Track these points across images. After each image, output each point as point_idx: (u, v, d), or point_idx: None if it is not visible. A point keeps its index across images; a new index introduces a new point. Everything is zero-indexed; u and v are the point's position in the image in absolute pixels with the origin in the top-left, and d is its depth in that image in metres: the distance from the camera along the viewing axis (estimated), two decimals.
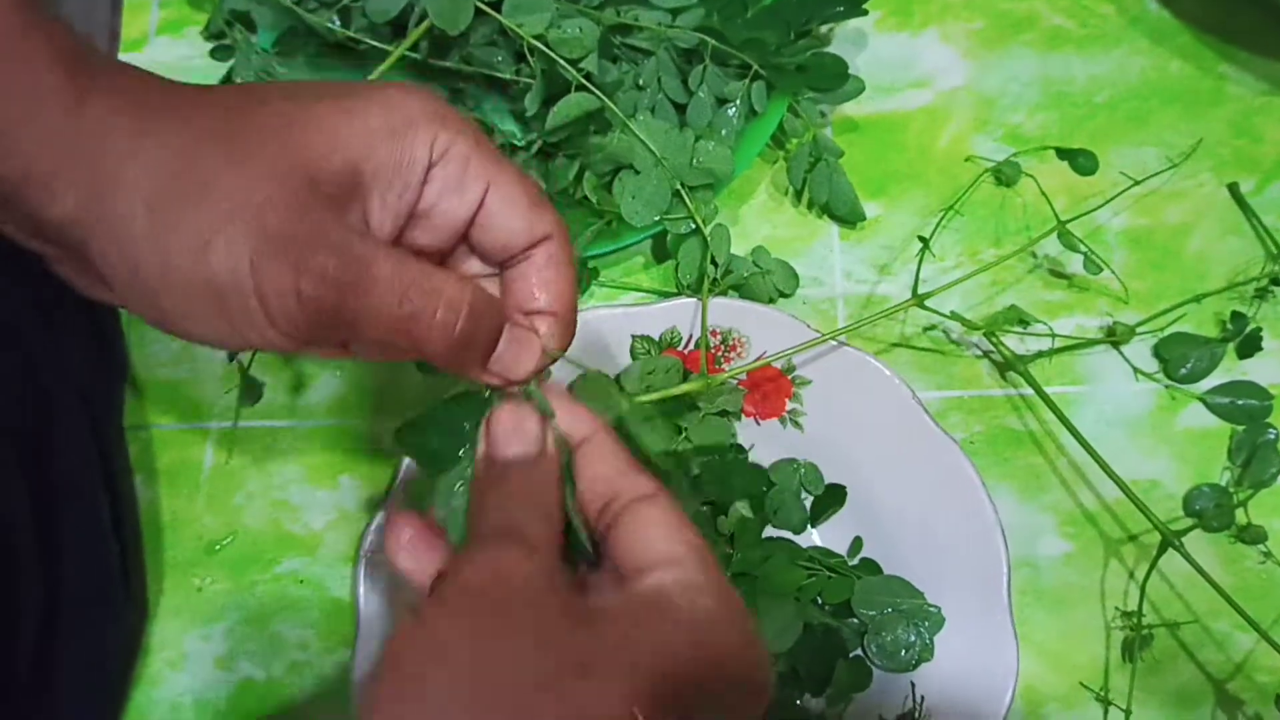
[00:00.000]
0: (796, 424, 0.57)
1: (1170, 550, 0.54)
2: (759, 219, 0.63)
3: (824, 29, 0.64)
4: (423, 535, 0.38)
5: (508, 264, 0.40)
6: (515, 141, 0.60)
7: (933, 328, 0.60)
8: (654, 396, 0.53)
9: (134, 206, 0.33)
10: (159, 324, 0.35)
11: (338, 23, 0.60)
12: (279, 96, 0.36)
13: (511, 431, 0.38)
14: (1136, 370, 0.60)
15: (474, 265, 0.41)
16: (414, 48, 0.57)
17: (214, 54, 0.62)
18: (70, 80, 0.33)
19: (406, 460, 0.54)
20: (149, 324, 0.36)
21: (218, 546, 0.58)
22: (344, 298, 0.35)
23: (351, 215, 0.36)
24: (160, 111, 0.34)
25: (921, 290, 0.57)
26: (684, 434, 0.55)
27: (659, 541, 0.36)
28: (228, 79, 0.61)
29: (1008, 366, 0.59)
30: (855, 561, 0.56)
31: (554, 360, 0.40)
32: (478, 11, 0.55)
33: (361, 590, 0.53)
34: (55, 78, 0.33)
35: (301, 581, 0.57)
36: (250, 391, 0.57)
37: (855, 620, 0.54)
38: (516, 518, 0.36)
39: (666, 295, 0.60)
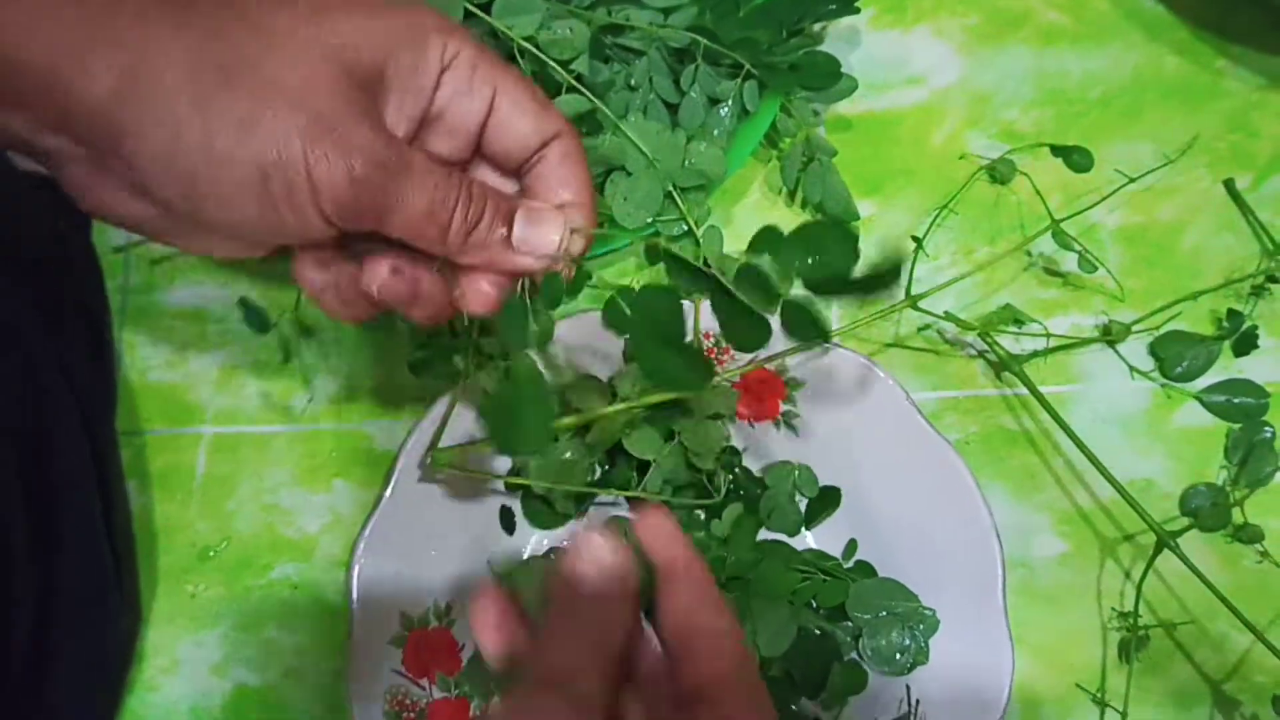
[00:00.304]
0: (790, 426, 0.57)
1: (1166, 550, 0.53)
2: (752, 218, 0.62)
3: (816, 27, 0.64)
4: (506, 616, 0.39)
5: (523, 169, 0.42)
6: None
7: (927, 327, 0.60)
8: (647, 401, 0.52)
9: (178, 82, 0.34)
10: (191, 214, 0.36)
11: None
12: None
13: (592, 562, 0.38)
14: (1132, 369, 0.59)
15: (491, 178, 0.43)
16: None
17: None
18: None
19: (401, 462, 0.54)
20: (177, 216, 0.37)
21: (211, 552, 0.58)
22: (388, 180, 0.36)
23: (377, 109, 0.38)
24: (193, 8, 0.35)
25: (916, 290, 0.57)
26: (677, 438, 0.54)
27: (727, 683, 0.36)
28: None
29: (1003, 366, 0.58)
30: (850, 564, 0.56)
31: (585, 241, 0.42)
32: (467, 13, 0.55)
33: (355, 596, 0.53)
34: None
35: (295, 587, 0.57)
36: (252, 316, 0.55)
37: (850, 623, 0.54)
38: (573, 662, 0.36)
39: None
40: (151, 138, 0.34)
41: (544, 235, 0.41)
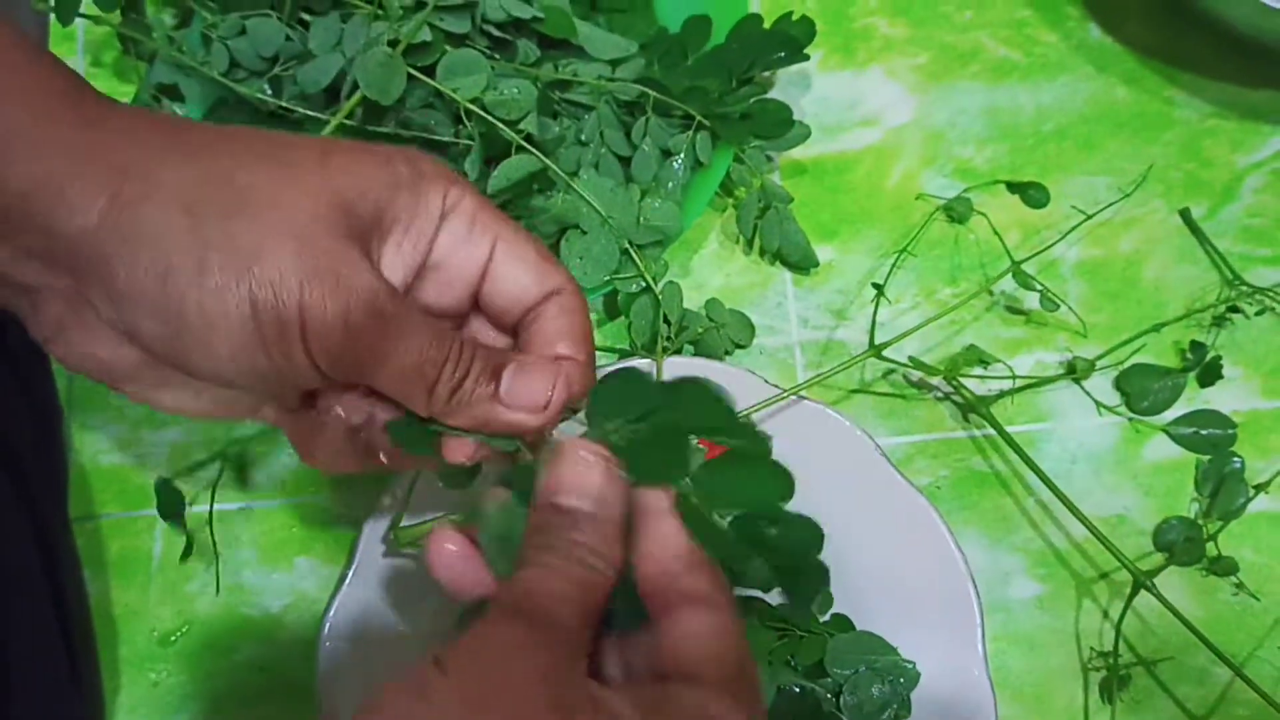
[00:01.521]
0: None
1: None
2: (711, 269, 0.62)
3: (766, 73, 0.63)
4: (466, 553, 0.37)
5: (521, 323, 0.40)
6: None
7: (892, 371, 0.59)
8: None
9: (170, 212, 0.32)
10: (171, 355, 0.34)
11: (269, 92, 0.58)
12: (304, 139, 0.36)
13: (576, 480, 0.36)
14: (1099, 404, 0.59)
15: (488, 333, 0.41)
16: (349, 115, 0.55)
17: None
18: (83, 102, 0.33)
19: (364, 537, 0.53)
20: (155, 360, 0.35)
21: (172, 638, 0.56)
22: (384, 329, 0.35)
23: (374, 255, 0.36)
24: (186, 140, 0.34)
25: (878, 335, 0.56)
26: None
27: (706, 662, 0.34)
28: None
29: (970, 408, 0.58)
30: (826, 617, 0.55)
31: (580, 401, 0.39)
32: (411, 77, 0.54)
33: (323, 680, 0.52)
34: (61, 95, 0.32)
35: (261, 669, 0.56)
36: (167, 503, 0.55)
37: (830, 679, 0.53)
38: (551, 589, 0.33)
39: (620, 354, 0.59)
40: (140, 266, 0.32)
41: (534, 389, 0.38)
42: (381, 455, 0.40)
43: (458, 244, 0.38)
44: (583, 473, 0.36)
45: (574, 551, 0.35)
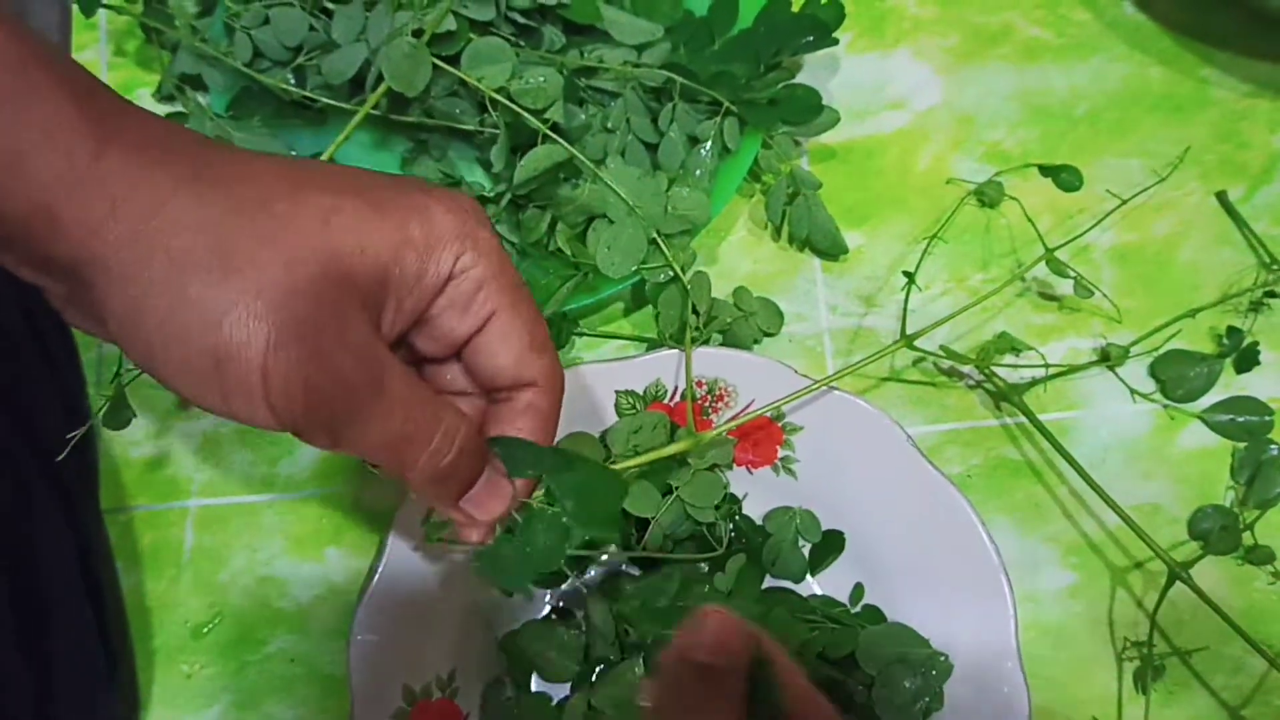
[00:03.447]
0: (789, 471, 0.55)
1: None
2: (739, 256, 0.61)
3: (793, 57, 0.62)
4: None
5: (492, 395, 0.41)
6: (484, 193, 0.58)
7: (923, 359, 0.59)
8: (642, 460, 0.51)
9: (153, 256, 0.32)
10: (147, 370, 0.34)
11: (293, 82, 0.58)
12: (317, 185, 0.35)
13: (717, 638, 0.37)
14: (1133, 391, 0.58)
15: (457, 376, 0.41)
16: (374, 105, 0.55)
17: None
18: (87, 122, 0.32)
19: (394, 530, 0.53)
20: (137, 366, 0.35)
21: (205, 629, 0.56)
22: (351, 400, 0.35)
23: (370, 315, 0.36)
24: (193, 171, 0.34)
25: (909, 323, 0.56)
26: (675, 492, 0.53)
27: None
28: None
29: (1001, 396, 0.57)
30: (858, 609, 0.54)
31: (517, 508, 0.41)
32: (435, 66, 0.53)
33: (354, 671, 0.52)
34: (68, 114, 0.32)
35: (292, 660, 0.56)
36: (115, 416, 0.53)
37: (861, 672, 0.53)
38: None
39: (648, 343, 0.58)
40: (117, 302, 0.33)
41: (490, 507, 0.40)
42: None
43: (455, 308, 0.38)
44: (716, 626, 0.38)
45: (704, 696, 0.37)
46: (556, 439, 0.51)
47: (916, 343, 0.55)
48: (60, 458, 0.51)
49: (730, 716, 0.36)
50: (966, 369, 0.58)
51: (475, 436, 0.38)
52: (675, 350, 0.55)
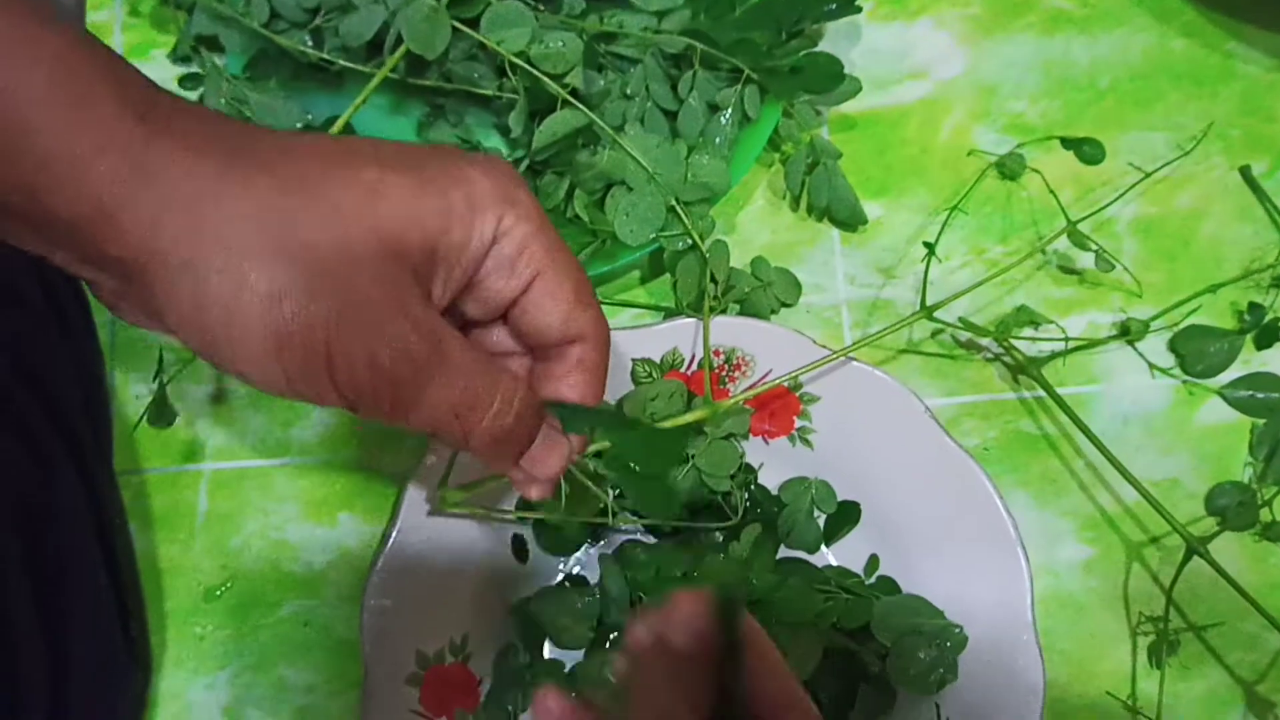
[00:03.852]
0: (806, 441, 0.55)
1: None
2: (757, 225, 0.61)
3: (814, 24, 0.62)
4: (570, 708, 0.38)
5: (540, 353, 0.41)
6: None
7: (941, 331, 0.58)
8: (659, 427, 0.51)
9: (210, 246, 0.32)
10: (210, 359, 0.35)
11: (311, 44, 0.57)
12: (360, 161, 0.35)
13: (687, 619, 0.37)
14: (1153, 366, 0.58)
15: (503, 337, 0.41)
16: (393, 68, 0.54)
17: (182, 83, 0.59)
18: (135, 118, 0.32)
19: (407, 495, 0.53)
20: (199, 356, 0.35)
21: (218, 592, 0.56)
22: (414, 373, 0.35)
23: (422, 287, 0.36)
24: (238, 156, 0.33)
25: (929, 295, 0.55)
26: (691, 460, 0.53)
27: None
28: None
29: (1020, 369, 0.57)
30: (872, 580, 0.54)
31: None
32: (455, 30, 0.53)
33: (367, 636, 0.52)
34: (121, 115, 0.32)
35: (305, 624, 0.56)
36: (162, 414, 0.55)
37: (876, 642, 0.53)
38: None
39: (665, 311, 0.58)
40: (177, 295, 0.33)
41: (548, 464, 0.41)
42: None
43: (499, 270, 0.38)
44: (687, 612, 0.37)
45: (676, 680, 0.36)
46: None
47: (935, 315, 0.55)
48: (75, 421, 0.51)
49: (690, 701, 0.36)
50: (985, 341, 0.58)
51: (530, 397, 0.38)
52: (693, 319, 0.54)
